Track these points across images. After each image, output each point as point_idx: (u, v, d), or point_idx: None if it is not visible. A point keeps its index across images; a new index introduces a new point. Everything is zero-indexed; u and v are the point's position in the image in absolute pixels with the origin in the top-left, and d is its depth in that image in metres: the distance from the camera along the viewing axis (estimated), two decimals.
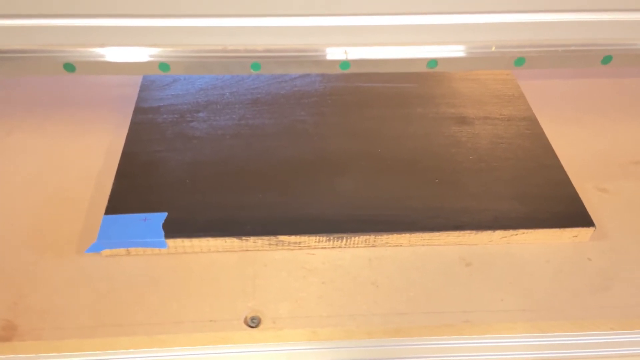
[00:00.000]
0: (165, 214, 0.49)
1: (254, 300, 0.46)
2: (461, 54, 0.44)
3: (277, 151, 0.57)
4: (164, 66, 0.43)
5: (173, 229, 0.48)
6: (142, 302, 0.45)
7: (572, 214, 0.51)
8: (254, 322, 0.44)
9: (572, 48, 0.44)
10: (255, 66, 0.43)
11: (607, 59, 0.44)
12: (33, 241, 0.50)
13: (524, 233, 0.50)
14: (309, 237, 0.49)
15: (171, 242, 0.48)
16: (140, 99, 0.63)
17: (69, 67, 0.43)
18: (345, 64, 0.44)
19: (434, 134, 0.59)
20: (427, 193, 0.53)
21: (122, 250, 0.48)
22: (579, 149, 0.60)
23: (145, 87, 0.65)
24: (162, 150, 0.56)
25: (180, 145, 0.57)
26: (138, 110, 0.61)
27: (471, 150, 0.57)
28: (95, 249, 0.48)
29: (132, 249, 0.48)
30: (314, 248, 0.50)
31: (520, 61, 0.45)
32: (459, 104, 0.64)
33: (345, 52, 0.43)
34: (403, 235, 0.49)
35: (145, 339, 0.43)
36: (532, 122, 0.61)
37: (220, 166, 0.55)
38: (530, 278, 0.48)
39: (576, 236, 0.51)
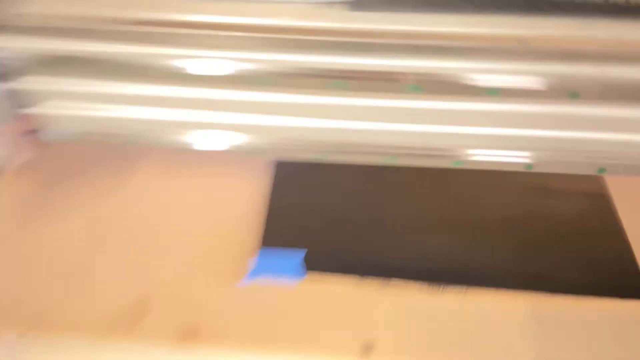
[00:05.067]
0: (305, 250, 0.62)
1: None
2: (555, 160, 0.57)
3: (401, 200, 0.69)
4: None
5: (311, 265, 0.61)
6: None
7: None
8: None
9: None
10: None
11: None
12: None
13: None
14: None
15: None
16: None
17: None
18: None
19: (522, 204, 0.70)
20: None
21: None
22: None
23: None
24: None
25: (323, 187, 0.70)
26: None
27: (551, 221, 0.67)
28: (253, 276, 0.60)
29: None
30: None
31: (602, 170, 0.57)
32: (539, 176, 0.72)
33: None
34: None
35: None
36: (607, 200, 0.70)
37: (353, 209, 0.67)
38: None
39: None
